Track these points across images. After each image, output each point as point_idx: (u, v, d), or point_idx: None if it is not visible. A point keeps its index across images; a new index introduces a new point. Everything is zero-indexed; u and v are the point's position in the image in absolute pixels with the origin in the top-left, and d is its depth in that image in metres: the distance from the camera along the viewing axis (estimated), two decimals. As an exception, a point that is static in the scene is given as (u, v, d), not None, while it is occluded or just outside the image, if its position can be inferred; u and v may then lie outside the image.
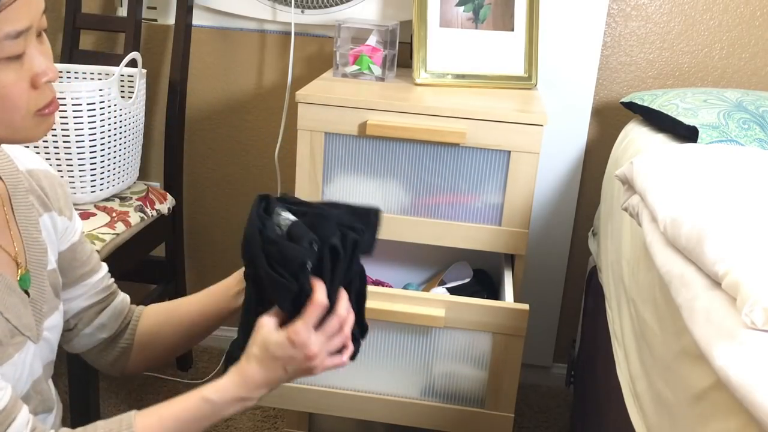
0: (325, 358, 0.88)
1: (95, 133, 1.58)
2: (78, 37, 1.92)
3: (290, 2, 1.90)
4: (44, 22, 0.79)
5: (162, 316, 1.05)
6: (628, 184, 1.23)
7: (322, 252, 0.85)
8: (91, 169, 1.60)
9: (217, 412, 0.86)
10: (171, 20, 1.96)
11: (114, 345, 1.04)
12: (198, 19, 1.94)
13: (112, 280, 1.07)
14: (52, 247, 0.95)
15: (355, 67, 1.72)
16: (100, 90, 1.56)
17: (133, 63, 1.63)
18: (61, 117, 1.52)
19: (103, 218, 1.61)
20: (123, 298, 1.07)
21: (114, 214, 1.64)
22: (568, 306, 2.06)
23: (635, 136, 1.60)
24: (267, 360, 0.86)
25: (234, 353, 0.90)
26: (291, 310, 0.86)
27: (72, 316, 1.01)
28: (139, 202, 1.73)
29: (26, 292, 0.88)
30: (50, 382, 0.98)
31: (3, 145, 0.92)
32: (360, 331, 0.95)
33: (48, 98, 0.79)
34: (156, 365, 1.15)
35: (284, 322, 0.87)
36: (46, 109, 0.80)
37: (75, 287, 1.00)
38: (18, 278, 0.87)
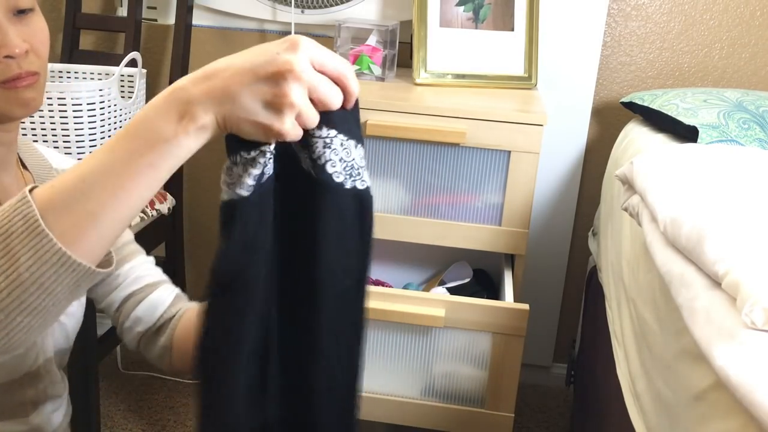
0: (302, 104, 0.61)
1: (95, 133, 1.58)
2: (78, 37, 1.92)
3: (290, 2, 1.90)
4: (21, 1, 0.79)
5: (196, 314, 1.01)
6: (628, 184, 1.23)
7: None
8: (91, 169, 1.60)
9: (139, 130, 0.60)
10: (171, 20, 1.96)
11: (155, 340, 0.98)
12: (198, 19, 1.94)
13: (157, 272, 1.00)
14: None
15: (355, 67, 1.72)
16: (100, 90, 1.56)
17: (133, 63, 1.63)
18: (61, 117, 1.52)
19: (103, 218, 1.61)
20: (165, 292, 0.99)
21: (114, 214, 1.64)
22: (568, 306, 2.06)
23: (635, 136, 1.60)
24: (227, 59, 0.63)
25: None
26: None
27: (115, 310, 0.97)
28: (139, 202, 1.73)
29: None
30: (62, 372, 0.98)
31: (36, 145, 0.94)
32: None
33: (9, 73, 0.79)
34: None
35: None
36: (9, 83, 0.79)
37: (111, 276, 0.96)
38: None
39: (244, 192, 0.64)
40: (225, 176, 0.65)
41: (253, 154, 0.63)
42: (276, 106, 0.59)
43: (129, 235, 1.01)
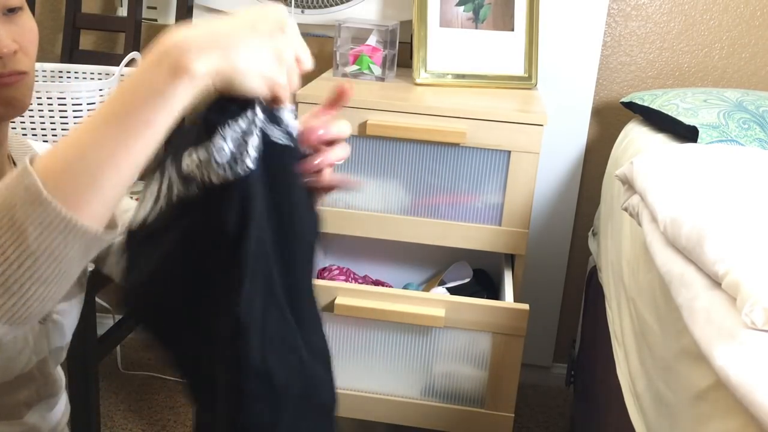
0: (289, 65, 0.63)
1: (95, 133, 1.58)
2: (78, 37, 1.92)
3: (290, 2, 1.90)
4: (11, 0, 0.79)
5: None
6: (628, 184, 1.23)
7: None
8: (91, 169, 1.60)
9: (131, 87, 0.59)
10: (171, 20, 1.96)
11: None
12: (198, 19, 1.94)
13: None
14: None
15: (355, 67, 1.72)
16: (100, 90, 1.56)
17: (133, 63, 1.63)
18: (61, 117, 1.52)
19: (103, 218, 1.61)
20: None
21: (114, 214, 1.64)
22: (568, 306, 2.06)
23: (635, 136, 1.60)
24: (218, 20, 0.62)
25: None
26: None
27: (106, 255, 0.98)
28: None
29: None
30: (59, 370, 0.98)
31: (28, 140, 0.93)
32: None
33: None
34: None
35: None
36: None
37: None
38: None
39: (252, 165, 0.61)
40: (217, 155, 0.61)
41: (245, 122, 0.61)
42: (280, 59, 0.61)
43: (130, 203, 1.01)
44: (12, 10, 0.79)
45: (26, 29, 0.81)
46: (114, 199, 0.60)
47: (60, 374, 0.98)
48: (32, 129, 1.52)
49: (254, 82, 0.60)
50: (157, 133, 0.59)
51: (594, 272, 1.73)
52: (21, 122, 1.51)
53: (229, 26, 0.60)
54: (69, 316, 0.95)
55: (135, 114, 0.58)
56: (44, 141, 1.54)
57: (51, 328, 0.91)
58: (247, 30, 0.60)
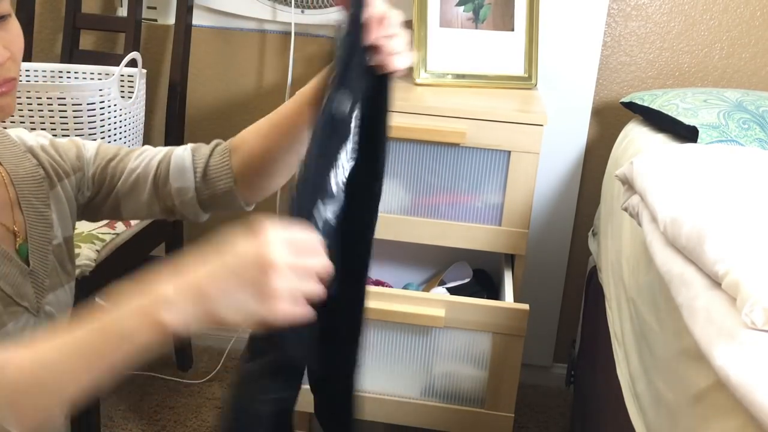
0: (290, 288, 0.64)
1: (95, 133, 1.58)
2: (78, 37, 1.92)
3: (290, 2, 1.90)
4: (2, 7, 0.80)
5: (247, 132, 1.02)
6: (628, 184, 1.23)
7: None
8: (91, 169, 1.60)
9: (110, 328, 0.63)
10: (171, 20, 1.96)
11: (208, 181, 1.01)
12: (198, 19, 1.94)
13: (157, 150, 1.02)
14: (65, 222, 0.95)
15: (355, 67, 1.72)
16: (100, 90, 1.56)
17: (133, 63, 1.63)
18: (60, 117, 1.52)
19: (103, 218, 1.61)
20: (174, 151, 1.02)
21: (114, 214, 1.64)
22: (568, 306, 2.06)
23: (635, 136, 1.60)
24: (210, 256, 0.66)
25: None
26: None
27: (166, 197, 1.00)
28: (139, 202, 1.73)
29: (27, 263, 0.89)
30: None
31: (8, 131, 0.95)
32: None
33: None
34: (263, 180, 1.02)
35: None
36: None
37: (130, 183, 0.99)
38: (16, 247, 0.88)
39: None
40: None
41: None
42: (263, 296, 0.63)
43: (113, 146, 1.03)
44: (2, 18, 0.81)
45: (14, 36, 0.83)
46: (54, 417, 0.66)
47: None
48: (32, 129, 1.51)
49: (235, 320, 0.64)
50: (117, 372, 0.65)
51: (594, 272, 1.73)
52: (21, 122, 1.51)
53: (210, 278, 0.64)
54: (61, 307, 0.95)
55: (103, 359, 0.64)
56: (44, 141, 1.54)
57: (45, 321, 0.92)
58: (227, 281, 0.64)
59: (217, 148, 1.02)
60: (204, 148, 1.02)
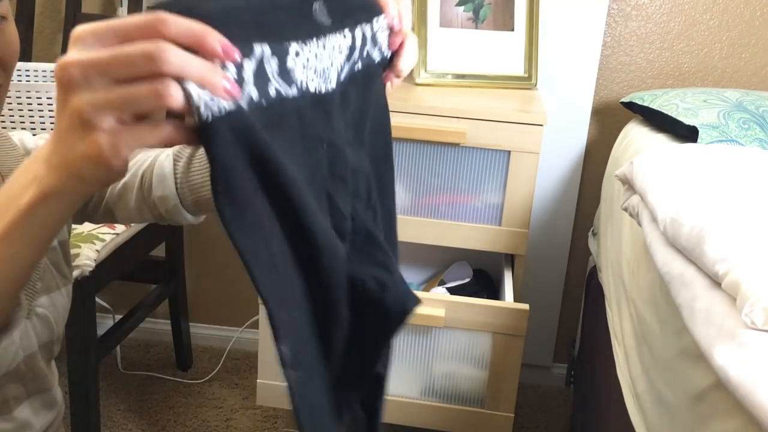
0: (96, 99, 0.47)
1: (95, 133, 1.58)
2: (78, 37, 1.92)
3: (290, 2, 1.90)
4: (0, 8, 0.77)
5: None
6: (628, 184, 1.23)
7: None
8: (91, 169, 1.60)
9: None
10: (171, 20, 1.96)
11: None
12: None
13: (146, 156, 0.98)
14: None
15: (355, 67, 1.72)
16: (100, 90, 1.56)
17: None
18: (61, 117, 1.52)
19: (103, 218, 1.61)
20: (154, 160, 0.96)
21: (114, 214, 1.64)
22: (568, 306, 2.06)
23: (635, 136, 1.60)
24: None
25: None
26: None
27: (152, 206, 0.97)
28: (139, 202, 1.73)
29: None
30: (52, 365, 0.97)
31: (11, 133, 0.93)
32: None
33: None
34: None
35: None
36: None
37: (117, 192, 0.97)
38: None
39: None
40: None
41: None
42: (72, 123, 0.47)
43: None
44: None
45: (7, 42, 0.79)
46: (5, 296, 0.63)
47: (53, 370, 0.98)
48: (32, 129, 1.52)
49: (81, 167, 0.50)
50: (21, 246, 0.58)
51: (594, 272, 1.73)
52: (21, 122, 1.51)
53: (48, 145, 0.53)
54: (55, 309, 0.94)
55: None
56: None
57: (38, 323, 0.91)
58: (56, 124, 0.51)
59: (199, 150, 0.96)
60: (187, 152, 0.98)
